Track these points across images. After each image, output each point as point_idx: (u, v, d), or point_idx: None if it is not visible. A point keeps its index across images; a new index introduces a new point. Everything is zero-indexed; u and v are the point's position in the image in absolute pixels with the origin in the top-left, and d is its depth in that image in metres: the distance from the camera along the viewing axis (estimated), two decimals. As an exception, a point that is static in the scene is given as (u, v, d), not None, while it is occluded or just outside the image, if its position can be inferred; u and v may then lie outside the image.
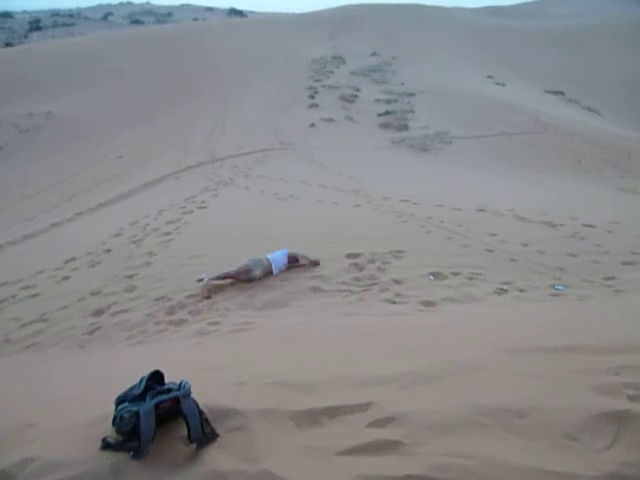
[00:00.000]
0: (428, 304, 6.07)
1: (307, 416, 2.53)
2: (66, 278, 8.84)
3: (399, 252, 8.13)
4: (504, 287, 6.63)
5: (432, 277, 7.12)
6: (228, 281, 7.29)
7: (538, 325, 4.03)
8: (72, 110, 34.78)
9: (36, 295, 8.17)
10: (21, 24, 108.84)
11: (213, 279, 7.19)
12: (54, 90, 39.14)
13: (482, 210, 11.64)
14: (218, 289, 7.10)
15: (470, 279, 7.02)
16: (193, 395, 2.53)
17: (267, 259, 7.35)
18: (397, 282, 6.92)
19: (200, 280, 7.18)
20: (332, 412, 2.54)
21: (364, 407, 2.54)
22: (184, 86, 37.49)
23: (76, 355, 5.76)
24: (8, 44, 75.09)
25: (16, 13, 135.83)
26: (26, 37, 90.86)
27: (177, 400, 2.39)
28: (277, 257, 7.42)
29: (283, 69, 40.60)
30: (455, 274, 7.20)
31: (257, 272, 7.15)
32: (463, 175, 20.04)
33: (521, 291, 6.51)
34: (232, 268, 7.21)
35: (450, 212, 11.31)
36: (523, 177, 20.72)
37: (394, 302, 6.19)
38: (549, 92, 40.78)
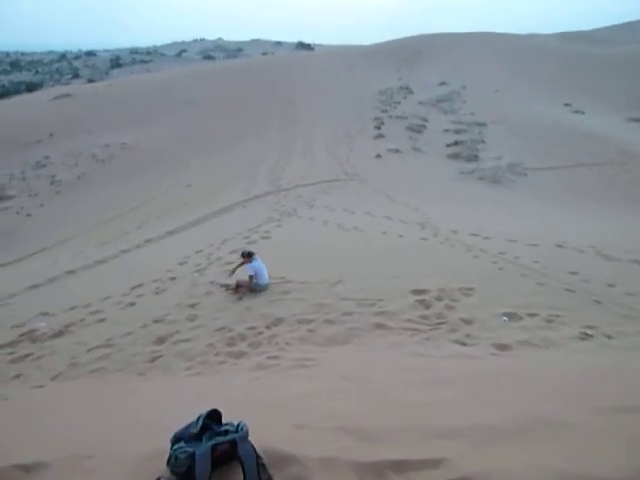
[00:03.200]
0: (502, 347, 5.73)
1: (372, 469, 2.37)
2: (132, 304, 9.18)
3: (469, 289, 7.81)
4: (588, 332, 6.16)
5: (506, 318, 6.75)
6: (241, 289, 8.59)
7: (634, 377, 3.65)
8: (146, 141, 37.04)
9: (103, 320, 8.53)
10: (103, 61, 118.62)
11: (224, 285, 8.39)
12: (130, 122, 41.99)
13: (560, 246, 11.04)
14: (277, 321, 7.12)
15: (549, 321, 6.59)
16: (251, 437, 2.44)
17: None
18: (467, 322, 6.62)
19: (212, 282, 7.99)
20: (399, 467, 2.36)
21: (435, 463, 2.34)
22: (252, 118, 39.03)
23: (137, 383, 5.89)
24: (91, 80, 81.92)
25: (99, 52, 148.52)
26: (107, 73, 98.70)
27: (234, 443, 2.31)
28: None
29: (349, 100, 41.36)
30: (531, 315, 6.79)
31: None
32: (538, 208, 19.24)
33: (608, 337, 6.01)
34: (243, 277, 8.64)
35: (525, 247, 10.81)
36: (605, 211, 19.61)
37: (464, 343, 5.89)
38: (632, 120, 38.78)
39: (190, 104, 44.03)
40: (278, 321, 7.22)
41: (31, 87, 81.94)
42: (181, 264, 11.82)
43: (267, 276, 9.00)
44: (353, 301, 7.68)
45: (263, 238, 13.63)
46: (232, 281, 9.27)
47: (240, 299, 8.59)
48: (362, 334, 6.48)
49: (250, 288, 8.82)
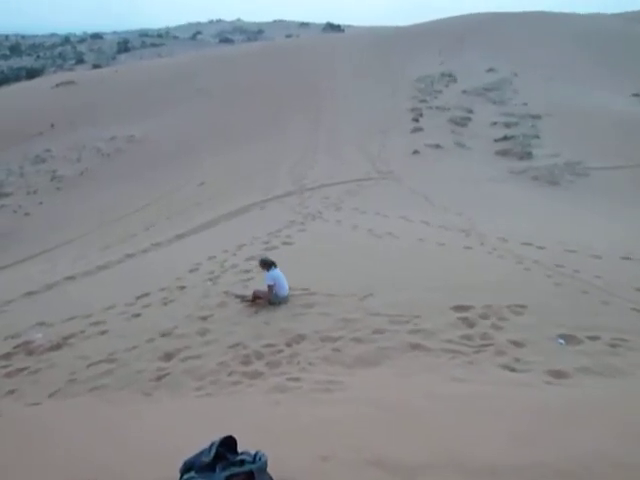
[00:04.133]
0: (558, 375, 5.62)
1: (406, 510, 2.36)
2: (137, 315, 9.33)
3: (520, 307, 7.69)
4: (660, 359, 6.00)
5: (562, 340, 6.62)
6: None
7: None
8: (155, 134, 37.73)
9: (105, 332, 8.68)
10: (110, 45, 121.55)
11: (239, 296, 8.73)
12: (139, 113, 42.85)
13: (627, 258, 10.79)
14: (298, 338, 7.14)
15: (613, 346, 6.43)
16: (270, 468, 2.45)
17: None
18: (517, 344, 6.52)
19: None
20: (438, 509, 2.34)
21: (480, 507, 2.31)
22: (274, 108, 39.37)
23: (142, 403, 5.98)
24: (96, 66, 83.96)
25: (105, 34, 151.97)
26: (114, 58, 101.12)
27: (251, 475, 2.33)
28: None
29: (383, 89, 41.37)
30: (593, 338, 6.64)
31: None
32: (602, 213, 18.86)
33: (684, 366, 5.84)
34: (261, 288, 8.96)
35: (586, 260, 10.60)
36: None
37: (513, 369, 5.81)
38: None
39: (205, 93, 44.68)
40: (300, 338, 7.24)
41: (31, 73, 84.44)
42: (192, 271, 11.94)
43: (287, 287, 9.05)
44: (385, 317, 7.65)
45: (284, 244, 13.68)
46: (249, 292, 9.34)
47: (257, 312, 8.64)
48: (395, 355, 6.44)
49: (269, 300, 8.87)
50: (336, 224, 15.86)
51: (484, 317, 7.40)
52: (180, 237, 17.30)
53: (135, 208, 25.58)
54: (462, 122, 32.63)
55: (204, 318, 8.58)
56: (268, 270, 9.07)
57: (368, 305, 8.23)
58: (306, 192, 21.53)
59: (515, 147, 28.30)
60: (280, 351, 6.89)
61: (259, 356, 6.82)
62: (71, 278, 13.45)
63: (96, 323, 9.15)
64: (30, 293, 12.29)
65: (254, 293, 9.10)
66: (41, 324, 9.47)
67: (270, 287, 8.87)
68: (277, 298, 8.89)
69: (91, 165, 34.44)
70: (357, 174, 23.95)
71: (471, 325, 7.18)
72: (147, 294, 10.46)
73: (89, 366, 7.30)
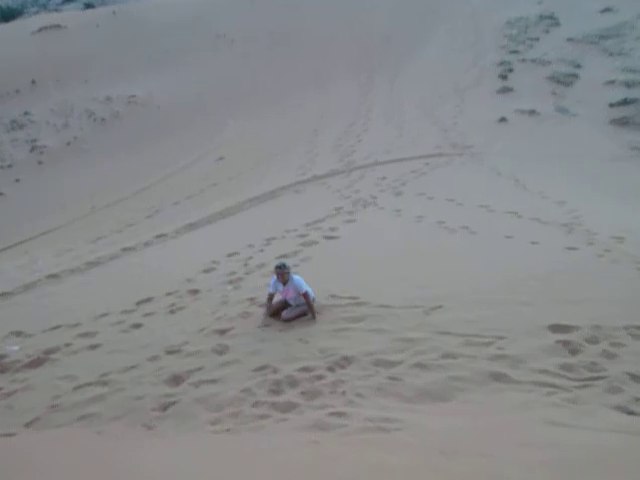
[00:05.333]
0: (693, 421, 5.48)
1: None
2: (137, 326, 9.55)
3: (641, 328, 7.53)
4: None
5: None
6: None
7: None
8: (162, 93, 38.31)
9: (96, 346, 8.90)
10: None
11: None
12: (142, 67, 43.56)
13: None
14: (344, 361, 7.17)
15: None
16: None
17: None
18: (637, 378, 6.36)
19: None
20: None
21: None
22: (315, 62, 39.45)
23: (142, 438, 6.09)
24: (89, 5, 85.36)
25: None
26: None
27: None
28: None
29: (461, 35, 40.89)
30: None
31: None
32: None
33: None
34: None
35: None
36: None
37: (631, 412, 5.68)
38: None
39: (226, 41, 45.05)
40: (345, 361, 7.25)
41: (7, 15, 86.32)
42: (207, 272, 12.13)
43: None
44: (459, 337, 7.58)
45: (327, 238, 13.74)
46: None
47: (290, 325, 8.72)
48: (471, 387, 6.38)
49: (312, 313, 8.97)
50: (395, 214, 15.84)
51: (592, 341, 7.25)
52: (192, 227, 17.59)
53: (135, 189, 26.06)
54: (566, 80, 32.02)
55: (222, 332, 8.72)
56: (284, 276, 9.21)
57: (436, 321, 8.18)
58: (356, 171, 21.54)
59: (638, 115, 27.59)
60: (320, 377, 6.91)
61: (292, 383, 6.86)
62: (54, 277, 13.83)
63: (85, 334, 9.39)
64: (3, 295, 12.70)
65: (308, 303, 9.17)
66: (17, 334, 9.77)
67: (306, 295, 8.96)
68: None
69: (81, 133, 35.21)
70: (424, 149, 23.82)
71: (574, 351, 7.05)
72: (149, 299, 10.69)
73: (76, 389, 7.49)
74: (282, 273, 9.02)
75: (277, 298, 9.30)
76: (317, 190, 19.71)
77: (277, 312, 9.16)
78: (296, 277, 9.14)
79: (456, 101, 30.65)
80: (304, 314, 9.05)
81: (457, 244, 12.71)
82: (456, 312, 8.42)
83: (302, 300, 9.06)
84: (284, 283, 9.06)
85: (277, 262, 9.41)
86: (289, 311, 9.07)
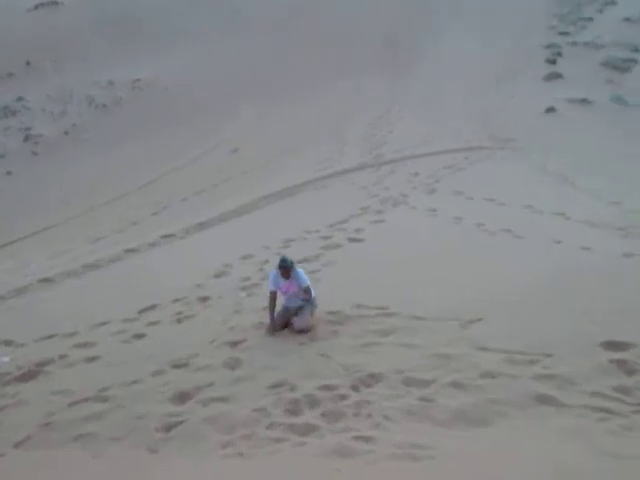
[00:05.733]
0: None
1: None
2: (139, 336, 9.60)
3: None
4: None
5: None
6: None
7: None
8: (171, 77, 38.46)
9: (95, 358, 8.95)
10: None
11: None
12: (148, 48, 43.73)
13: None
14: (370, 379, 7.15)
15: None
16: None
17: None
18: None
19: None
20: None
21: None
22: (340, 46, 39.41)
23: (144, 464, 6.10)
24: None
25: None
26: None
27: None
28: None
29: (504, 16, 40.69)
30: None
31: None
32: None
33: None
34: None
35: None
36: None
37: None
38: None
39: (243, 19, 45.15)
40: (372, 379, 7.21)
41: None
42: (218, 276, 12.17)
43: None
44: (499, 354, 7.52)
45: (352, 240, 13.72)
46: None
47: (310, 337, 8.72)
48: (513, 411, 6.32)
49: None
50: (429, 214, 15.78)
51: (652, 361, 7.18)
52: (202, 227, 17.66)
53: (140, 183, 26.21)
54: (623, 66, 31.76)
55: (234, 344, 8.74)
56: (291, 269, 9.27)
57: (474, 335, 8.14)
58: (386, 166, 21.50)
59: None
60: (343, 397, 6.89)
61: (312, 402, 6.83)
62: (49, 281, 13.95)
63: (82, 345, 9.46)
64: (-7, 300, 12.82)
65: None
66: (7, 343, 9.87)
67: (309, 288, 9.18)
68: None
69: (80, 121, 35.45)
70: (461, 141, 23.76)
71: (630, 372, 6.96)
72: (154, 306, 10.76)
73: (71, 405, 7.52)
74: (287, 270, 9.06)
75: (279, 300, 9.35)
76: (342, 186, 19.69)
77: (286, 324, 9.19)
78: (299, 270, 9.25)
79: (500, 88, 30.49)
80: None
81: (498, 249, 12.62)
82: (497, 325, 8.36)
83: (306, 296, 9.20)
84: (287, 277, 9.11)
85: (280, 257, 9.38)
86: (301, 319, 9.06)
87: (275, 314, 9.18)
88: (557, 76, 31.16)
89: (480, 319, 8.60)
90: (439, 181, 19.22)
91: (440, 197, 17.48)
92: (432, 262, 11.93)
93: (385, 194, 17.99)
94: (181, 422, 6.80)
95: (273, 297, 9.15)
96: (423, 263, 11.88)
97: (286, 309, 9.25)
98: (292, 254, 12.88)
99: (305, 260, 12.28)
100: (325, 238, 13.96)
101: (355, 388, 7.05)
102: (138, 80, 38.61)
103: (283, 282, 9.12)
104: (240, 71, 37.73)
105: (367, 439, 5.88)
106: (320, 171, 21.36)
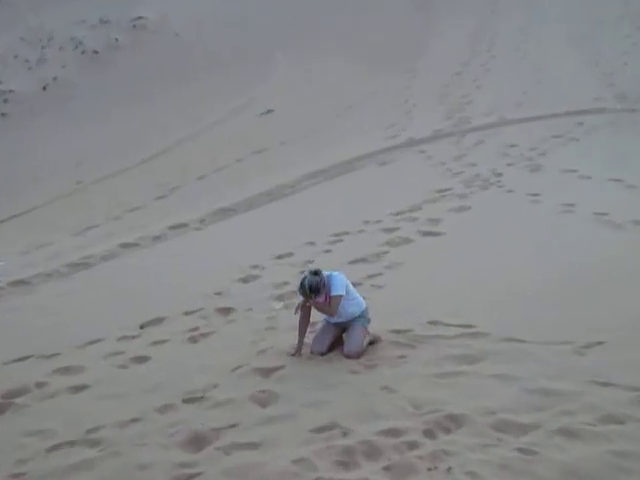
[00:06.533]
0: None
1: None
2: (141, 359, 9.66)
3: None
4: None
5: None
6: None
7: None
8: (182, 17, 38.55)
9: (82, 388, 8.99)
10: None
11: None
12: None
13: None
14: (449, 422, 7.08)
15: None
16: None
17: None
18: None
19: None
20: None
21: None
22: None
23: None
24: None
25: None
26: None
27: None
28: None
29: None
30: None
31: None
32: None
33: None
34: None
35: None
36: None
37: None
38: None
39: None
40: (452, 422, 7.12)
41: None
42: (245, 281, 12.21)
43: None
44: (627, 391, 7.38)
45: (425, 234, 13.66)
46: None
47: (367, 364, 8.70)
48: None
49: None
50: (530, 200, 15.65)
51: None
52: (224, 214, 17.74)
53: (142, 157, 26.33)
54: None
55: (267, 372, 8.72)
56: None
57: (593, 364, 8.05)
58: (471, 134, 21.39)
59: None
60: (413, 445, 6.84)
61: (371, 452, 6.79)
62: (23, 284, 14.08)
63: (66, 370, 9.51)
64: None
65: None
66: (-34, 367, 10.00)
67: (337, 300, 9.04)
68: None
69: (63, 73, 35.67)
70: (575, 102, 23.50)
71: None
72: (160, 320, 10.82)
73: (51, 450, 7.51)
74: (309, 296, 8.96)
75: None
76: (412, 162, 19.62)
77: (332, 344, 9.23)
78: (334, 274, 9.21)
79: (625, 30, 30.10)
80: (373, 339, 9.18)
81: (627, 247, 12.44)
82: (624, 352, 8.26)
83: (354, 309, 9.22)
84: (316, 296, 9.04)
85: (304, 276, 9.17)
86: (353, 339, 9.09)
87: (316, 332, 9.25)
88: None
89: (600, 342, 8.52)
90: (544, 155, 19.02)
91: (545, 177, 17.30)
92: (531, 265, 11.82)
93: (471, 172, 17.87)
94: (195, 475, 6.79)
95: (304, 306, 9.12)
96: (520, 266, 11.79)
97: (329, 325, 9.31)
98: (344, 252, 12.93)
99: (362, 260, 12.27)
100: (389, 231, 13.91)
101: (429, 434, 6.98)
102: (140, 19, 38.60)
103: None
104: (276, 13, 37.66)
105: (446, 503, 5.86)
106: (384, 141, 21.28)
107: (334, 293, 8.98)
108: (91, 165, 26.40)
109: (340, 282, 9.08)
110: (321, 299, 9.02)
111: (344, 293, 9.04)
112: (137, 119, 30.20)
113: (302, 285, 8.90)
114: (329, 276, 9.09)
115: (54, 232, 19.63)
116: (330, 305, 8.99)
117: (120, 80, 34.14)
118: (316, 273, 8.96)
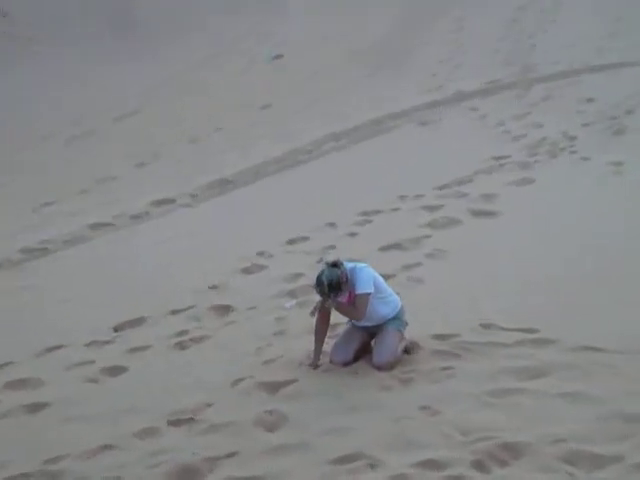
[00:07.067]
0: None
1: None
2: (115, 371, 9.65)
3: None
4: None
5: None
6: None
7: None
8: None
9: (40, 407, 9.01)
10: None
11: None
12: None
13: None
14: (504, 451, 7.05)
15: None
16: None
17: None
18: None
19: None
20: None
21: None
22: None
23: None
24: None
25: None
26: None
27: None
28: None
29: None
30: None
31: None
32: None
33: None
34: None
35: None
36: None
37: None
38: None
39: None
40: (510, 452, 7.10)
41: None
42: (247, 272, 12.24)
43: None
44: None
45: (476, 214, 13.64)
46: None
47: (402, 378, 8.67)
48: None
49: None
50: (611, 171, 15.60)
51: None
52: (221, 188, 17.76)
53: (118, 112, 26.41)
54: None
55: (274, 387, 8.71)
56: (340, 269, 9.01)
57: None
58: (537, 86, 21.35)
59: None
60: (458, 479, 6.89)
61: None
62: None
63: (20, 384, 9.53)
64: None
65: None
66: None
67: (364, 299, 8.98)
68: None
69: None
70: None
71: None
72: (140, 321, 10.82)
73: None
74: (328, 295, 8.86)
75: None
76: (460, 121, 19.60)
77: (358, 353, 9.22)
78: (359, 266, 9.17)
79: None
80: (410, 346, 9.17)
81: None
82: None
83: (387, 309, 9.23)
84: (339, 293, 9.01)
85: (321, 269, 9.07)
86: (384, 349, 9.06)
87: (338, 337, 9.28)
88: None
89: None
90: (631, 113, 18.94)
91: (631, 142, 17.23)
92: (613, 257, 11.84)
93: (535, 135, 17.84)
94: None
95: (321, 307, 9.03)
96: (600, 257, 11.78)
97: (354, 329, 9.33)
98: (374, 236, 12.91)
99: (396, 247, 12.26)
100: (432, 209, 13.90)
101: (480, 467, 6.93)
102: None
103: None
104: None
105: None
106: (425, 94, 21.28)
107: (360, 291, 8.93)
108: (51, 121, 26.43)
109: (367, 276, 9.02)
110: (344, 298, 8.97)
111: (372, 290, 8.97)
112: (109, 60, 30.37)
113: (319, 281, 8.80)
114: (353, 269, 9.03)
115: (3, 208, 19.58)
116: (355, 306, 8.96)
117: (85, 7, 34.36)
118: (336, 265, 8.89)
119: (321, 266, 9.09)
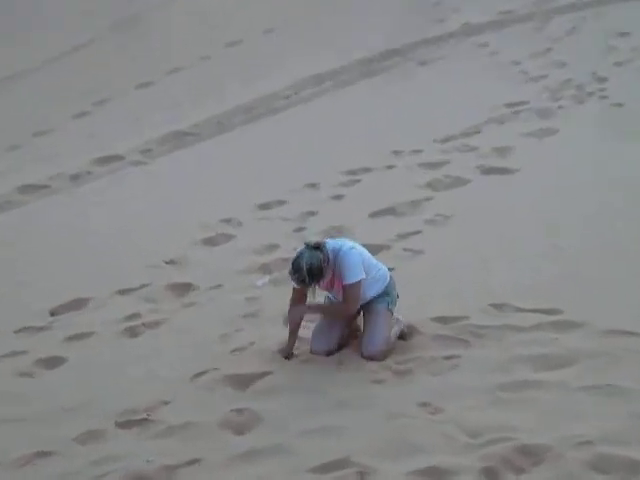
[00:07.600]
0: None
1: None
2: (52, 363, 9.64)
3: None
4: None
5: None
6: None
7: None
8: None
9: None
10: None
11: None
12: None
13: None
14: (521, 457, 7.05)
15: None
16: None
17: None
18: None
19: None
20: None
21: None
22: None
23: None
24: None
25: None
26: None
27: None
28: None
29: None
30: None
31: None
32: None
33: None
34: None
35: None
36: None
37: None
38: None
39: None
40: (526, 457, 7.13)
41: None
42: (211, 243, 12.24)
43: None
44: None
45: (485, 172, 13.66)
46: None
47: (396, 369, 8.71)
48: None
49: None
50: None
51: None
52: (181, 141, 17.81)
53: (71, 44, 26.33)
54: None
55: (244, 382, 8.75)
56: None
57: None
58: (558, 16, 21.37)
59: None
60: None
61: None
62: None
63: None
64: None
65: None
66: None
67: (356, 288, 8.98)
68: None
69: None
70: None
71: None
72: (81, 302, 10.83)
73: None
74: (307, 284, 8.84)
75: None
76: (468, 60, 19.61)
77: (341, 341, 9.32)
78: (346, 248, 9.05)
79: None
80: (405, 330, 9.27)
81: None
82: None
83: (375, 287, 9.23)
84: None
85: (298, 252, 8.93)
86: (374, 334, 9.11)
87: (318, 321, 9.35)
88: None
89: None
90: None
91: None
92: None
93: (558, 76, 17.86)
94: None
95: (299, 295, 9.13)
96: (630, 225, 11.80)
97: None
98: (362, 200, 12.93)
99: (390, 211, 12.30)
100: (434, 166, 13.92)
101: (492, 474, 6.96)
102: None
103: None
104: None
105: None
106: (424, 27, 21.30)
107: (350, 280, 8.87)
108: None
109: (356, 261, 8.92)
110: (324, 284, 8.98)
111: (364, 275, 8.93)
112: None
113: (297, 266, 8.66)
114: (337, 252, 8.92)
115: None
116: (346, 297, 8.96)
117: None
118: (317, 247, 8.76)
119: (299, 249, 8.92)
